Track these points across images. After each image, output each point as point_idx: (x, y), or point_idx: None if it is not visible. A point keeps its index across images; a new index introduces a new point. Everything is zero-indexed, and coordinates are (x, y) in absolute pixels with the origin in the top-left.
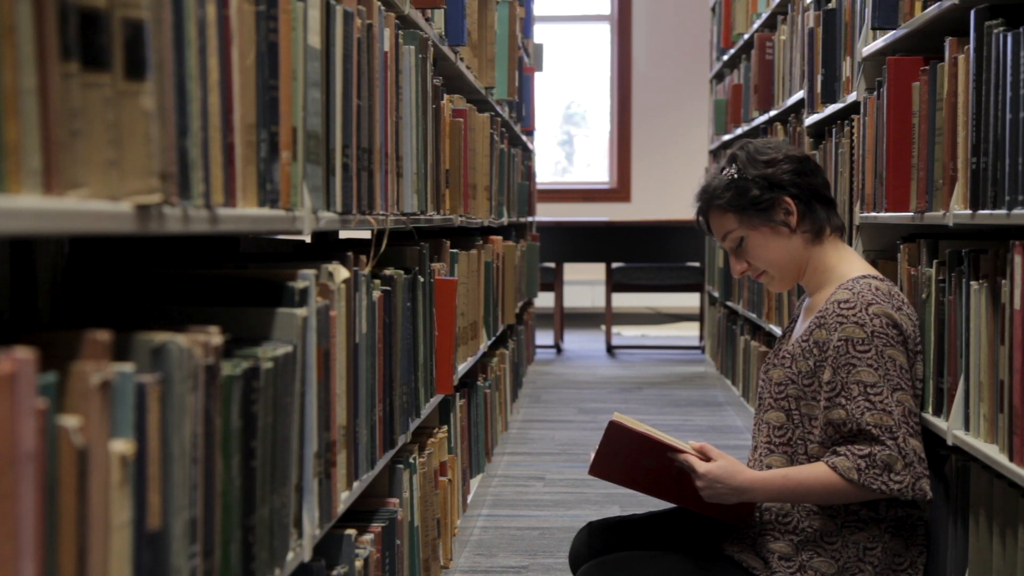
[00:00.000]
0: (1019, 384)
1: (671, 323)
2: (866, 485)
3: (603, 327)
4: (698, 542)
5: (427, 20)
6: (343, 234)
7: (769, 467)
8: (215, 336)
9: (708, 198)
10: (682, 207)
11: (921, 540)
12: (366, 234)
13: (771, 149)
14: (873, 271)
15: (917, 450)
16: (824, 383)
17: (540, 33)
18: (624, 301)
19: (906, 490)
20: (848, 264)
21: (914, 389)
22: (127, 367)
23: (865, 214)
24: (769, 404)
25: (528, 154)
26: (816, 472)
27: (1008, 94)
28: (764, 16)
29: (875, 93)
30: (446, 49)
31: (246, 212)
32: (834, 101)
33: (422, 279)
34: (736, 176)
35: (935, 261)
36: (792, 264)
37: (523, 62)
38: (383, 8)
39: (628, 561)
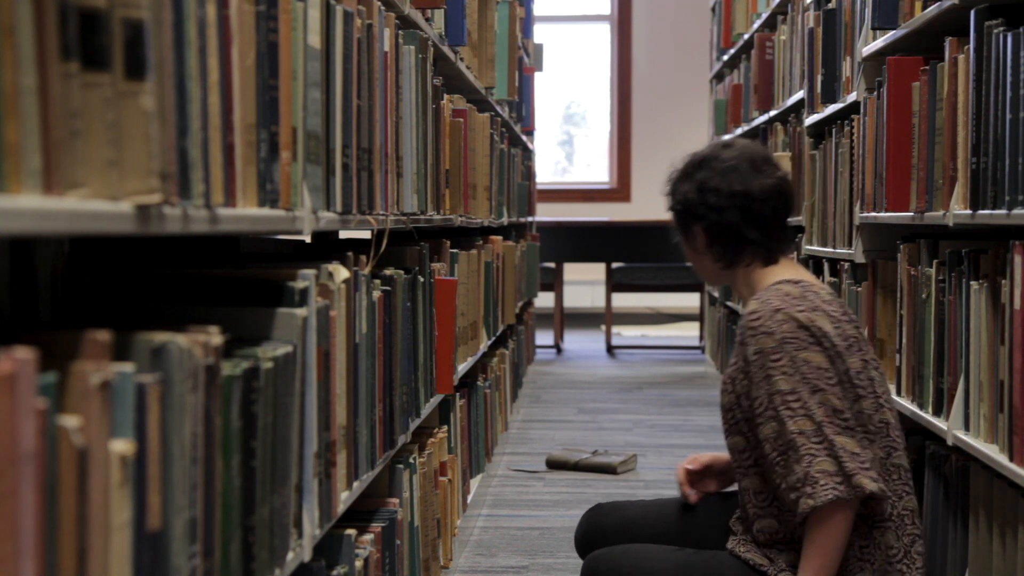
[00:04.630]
0: (1019, 384)
1: (671, 323)
2: (824, 501)
3: (603, 327)
4: (706, 535)
5: (427, 20)
6: (343, 234)
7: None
8: (215, 336)
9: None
10: None
11: (911, 529)
12: (366, 234)
13: (722, 177)
14: (794, 275)
15: (847, 446)
16: (753, 399)
17: (540, 33)
18: (624, 301)
19: (847, 490)
20: (774, 279)
21: (842, 385)
22: (127, 367)
23: (865, 214)
24: (727, 430)
25: (528, 154)
26: (808, 537)
27: (1008, 94)
28: (764, 16)
29: (875, 93)
30: (446, 49)
31: (246, 212)
32: (834, 101)
33: (422, 279)
34: (672, 181)
35: (935, 261)
36: (709, 276)
37: (523, 62)
38: (383, 8)
39: (639, 553)
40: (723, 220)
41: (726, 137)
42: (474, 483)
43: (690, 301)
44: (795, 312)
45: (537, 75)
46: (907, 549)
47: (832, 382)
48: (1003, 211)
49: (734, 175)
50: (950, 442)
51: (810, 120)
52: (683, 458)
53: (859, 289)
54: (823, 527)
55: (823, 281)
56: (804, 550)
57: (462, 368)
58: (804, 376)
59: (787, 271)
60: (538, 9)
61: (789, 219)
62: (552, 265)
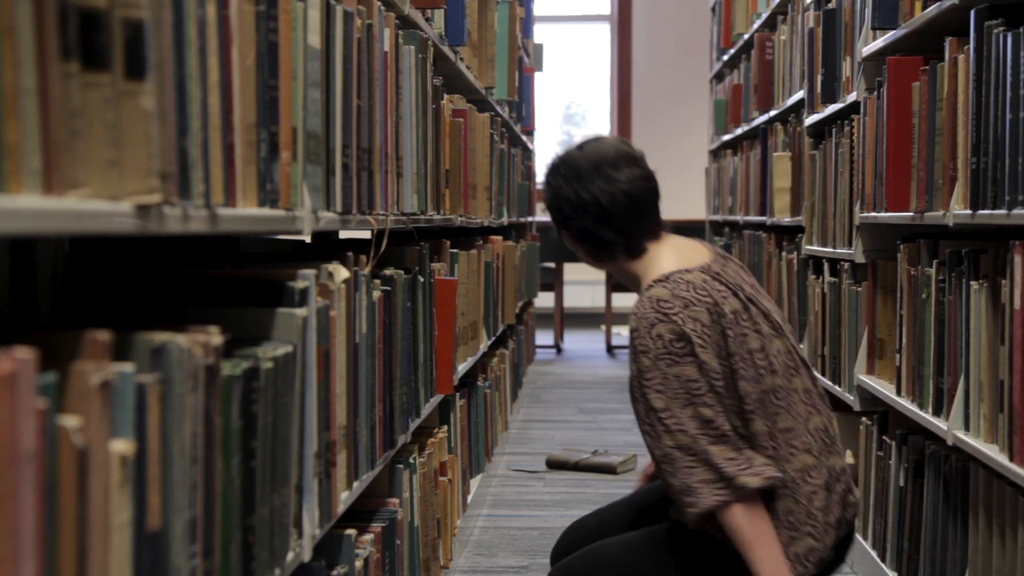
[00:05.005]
0: (1019, 384)
1: None
2: (705, 509)
3: (603, 327)
4: (663, 513)
5: (427, 20)
6: (343, 234)
7: None
8: (215, 336)
9: None
10: (682, 207)
11: (807, 488)
12: (366, 234)
13: (570, 185)
14: (665, 264)
15: (722, 454)
16: (636, 412)
17: (540, 33)
18: (624, 301)
19: (732, 493)
20: (653, 269)
21: (713, 390)
22: (127, 367)
23: (865, 214)
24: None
25: (528, 154)
26: (731, 538)
27: (1008, 94)
28: (764, 16)
29: (875, 93)
30: (446, 49)
31: (246, 212)
32: (834, 101)
33: (422, 279)
34: (545, 181)
35: (935, 261)
36: (590, 265)
37: (523, 62)
38: (383, 8)
39: (591, 549)
40: (579, 226)
41: (726, 137)
42: (474, 483)
43: None
44: (670, 322)
45: (537, 75)
46: (808, 509)
47: (702, 391)
48: (1003, 211)
49: (579, 184)
50: (950, 442)
51: (810, 120)
52: None
53: (859, 289)
54: (732, 527)
55: (820, 280)
56: (745, 553)
57: (462, 368)
58: (676, 392)
59: (658, 260)
60: (538, 9)
61: (653, 208)
62: (552, 265)
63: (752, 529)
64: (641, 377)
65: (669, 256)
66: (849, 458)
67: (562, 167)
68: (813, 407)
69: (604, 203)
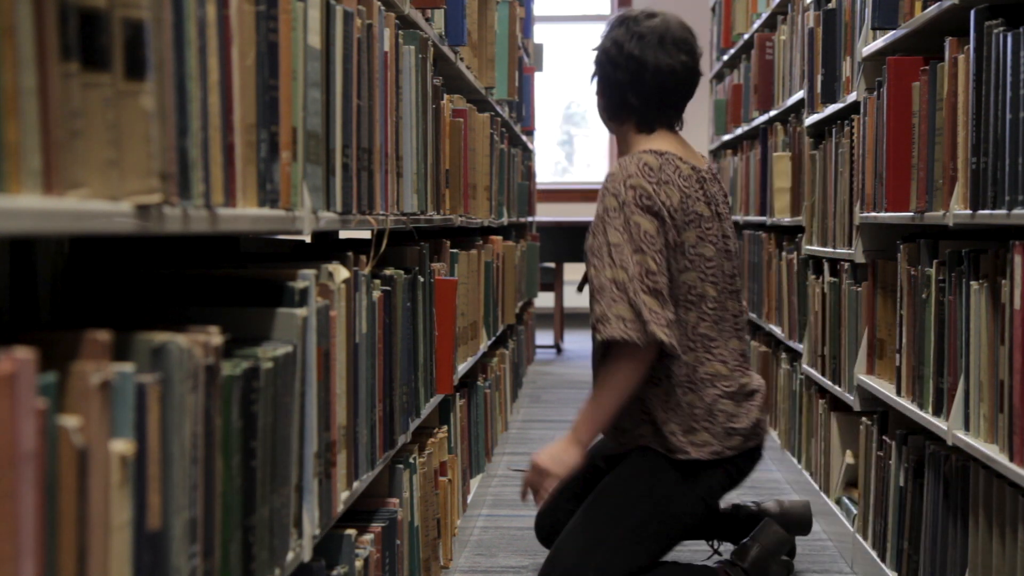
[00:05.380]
0: (1019, 384)
1: None
2: (609, 337)
3: None
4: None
5: (427, 20)
6: (343, 234)
7: None
8: (215, 336)
9: None
10: None
11: (714, 392)
12: (366, 234)
13: (630, 40)
14: (665, 146)
15: (648, 304)
16: (594, 244)
17: (540, 33)
18: None
19: (640, 336)
20: (647, 146)
21: (667, 253)
22: (127, 367)
23: (865, 214)
24: (587, 266)
25: (528, 154)
26: (603, 373)
27: (1008, 94)
28: (764, 16)
29: (875, 93)
30: (446, 49)
31: (246, 212)
32: (834, 101)
33: (422, 279)
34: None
35: (935, 261)
36: (600, 117)
37: (523, 62)
38: (383, 8)
39: (568, 535)
40: (613, 77)
41: (726, 137)
42: (474, 483)
43: None
44: (644, 182)
45: (537, 75)
46: (710, 408)
47: (655, 248)
48: (1003, 211)
49: (640, 42)
50: (950, 442)
51: (810, 120)
52: None
53: (859, 289)
54: (614, 366)
55: (820, 280)
56: (596, 384)
57: (462, 368)
58: (631, 237)
59: (660, 142)
60: (538, 9)
61: (682, 100)
62: (552, 265)
63: (622, 379)
64: (606, 214)
65: (671, 144)
66: (849, 458)
67: (631, 22)
68: (736, 331)
69: (649, 69)
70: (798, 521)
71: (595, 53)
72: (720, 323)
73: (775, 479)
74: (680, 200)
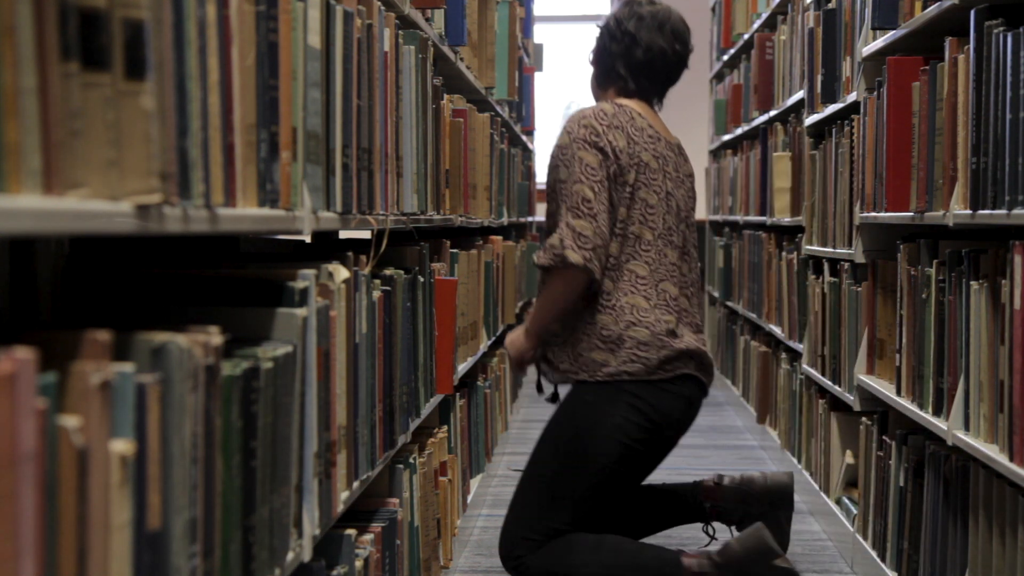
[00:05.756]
0: (1019, 384)
1: None
2: (537, 265)
3: None
4: None
5: (427, 20)
6: (343, 234)
7: None
8: (215, 336)
9: None
10: None
11: (630, 318)
12: (366, 234)
13: (629, 18)
14: (626, 102)
15: (576, 227)
16: (549, 179)
17: (540, 33)
18: None
19: (555, 258)
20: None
21: (610, 186)
22: (127, 367)
23: (865, 214)
24: (548, 199)
25: (528, 154)
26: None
27: (1008, 94)
28: (764, 16)
29: (875, 93)
30: (446, 49)
31: (246, 212)
32: (834, 101)
33: (422, 279)
34: None
35: (935, 261)
36: (594, 91)
37: (523, 62)
38: (383, 8)
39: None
40: (608, 48)
41: (726, 137)
42: (474, 483)
43: None
44: (595, 123)
45: (537, 75)
46: (621, 334)
47: (595, 179)
48: (1003, 211)
49: (638, 22)
50: (950, 442)
51: (810, 120)
52: (682, 458)
53: (859, 289)
54: (548, 285)
55: (820, 280)
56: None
57: (462, 368)
58: (574, 170)
59: (631, 104)
60: (538, 9)
61: (665, 81)
62: None
63: (551, 294)
64: (560, 152)
65: (642, 109)
66: (849, 458)
67: (635, 4)
68: (674, 279)
69: (641, 45)
70: (780, 492)
71: (602, 28)
72: (656, 268)
73: None
74: (627, 143)
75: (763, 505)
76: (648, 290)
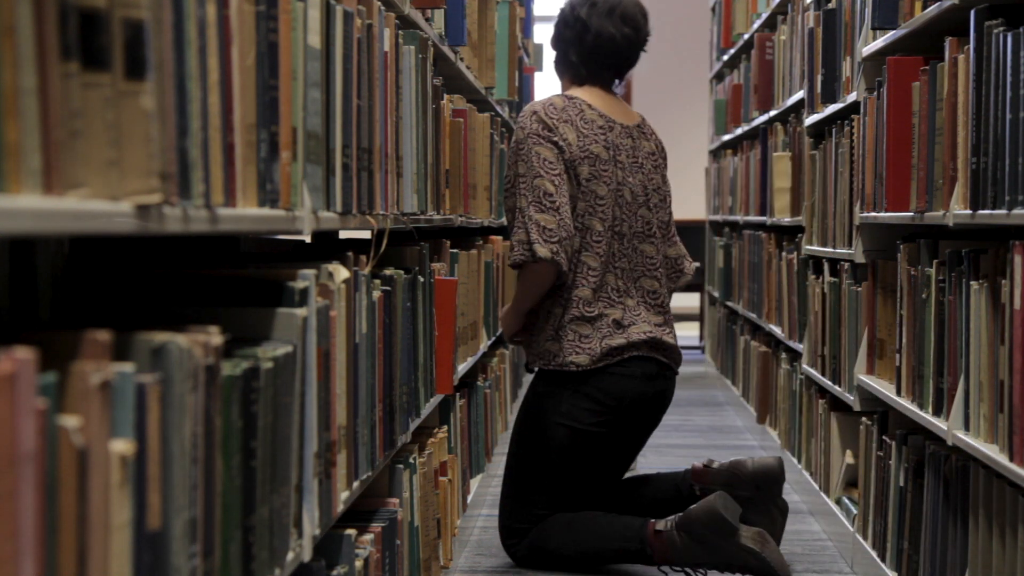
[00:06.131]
0: (1019, 384)
1: None
2: (511, 263)
3: None
4: None
5: (427, 20)
6: (343, 234)
7: None
8: (215, 336)
9: None
10: (682, 207)
11: (576, 312)
12: (366, 234)
13: (583, 5)
14: (582, 95)
15: (540, 222)
16: (508, 175)
17: (540, 33)
18: None
19: (525, 254)
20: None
21: (566, 178)
22: (127, 367)
23: (865, 214)
24: (505, 194)
25: None
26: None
27: (1008, 94)
28: (764, 16)
29: (875, 93)
30: (446, 49)
31: (246, 212)
32: (834, 101)
33: (422, 279)
34: None
35: (935, 261)
36: (559, 77)
37: (523, 62)
38: (383, 8)
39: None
40: (563, 34)
41: (726, 137)
42: (474, 483)
43: (690, 301)
44: (545, 117)
45: (537, 75)
46: (567, 325)
47: (554, 172)
48: (1003, 211)
49: (590, 9)
50: (950, 442)
51: (810, 120)
52: (682, 458)
53: (859, 289)
54: (520, 279)
55: (820, 280)
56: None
57: (462, 368)
58: (532, 165)
59: (584, 94)
60: (538, 9)
61: (618, 66)
62: None
63: (527, 287)
64: (517, 146)
65: (594, 97)
66: (849, 458)
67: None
68: (624, 268)
69: (591, 32)
70: (767, 475)
71: (558, 16)
72: (606, 260)
73: None
74: (576, 137)
75: (751, 488)
76: (596, 281)
